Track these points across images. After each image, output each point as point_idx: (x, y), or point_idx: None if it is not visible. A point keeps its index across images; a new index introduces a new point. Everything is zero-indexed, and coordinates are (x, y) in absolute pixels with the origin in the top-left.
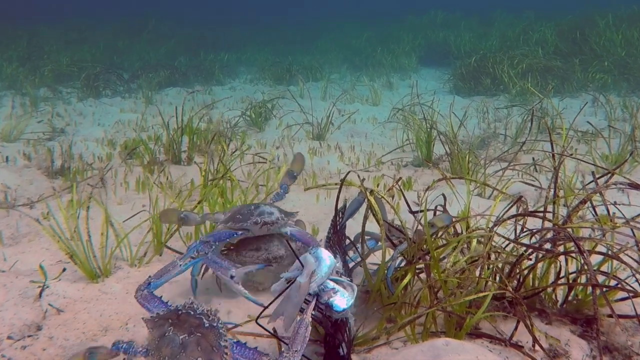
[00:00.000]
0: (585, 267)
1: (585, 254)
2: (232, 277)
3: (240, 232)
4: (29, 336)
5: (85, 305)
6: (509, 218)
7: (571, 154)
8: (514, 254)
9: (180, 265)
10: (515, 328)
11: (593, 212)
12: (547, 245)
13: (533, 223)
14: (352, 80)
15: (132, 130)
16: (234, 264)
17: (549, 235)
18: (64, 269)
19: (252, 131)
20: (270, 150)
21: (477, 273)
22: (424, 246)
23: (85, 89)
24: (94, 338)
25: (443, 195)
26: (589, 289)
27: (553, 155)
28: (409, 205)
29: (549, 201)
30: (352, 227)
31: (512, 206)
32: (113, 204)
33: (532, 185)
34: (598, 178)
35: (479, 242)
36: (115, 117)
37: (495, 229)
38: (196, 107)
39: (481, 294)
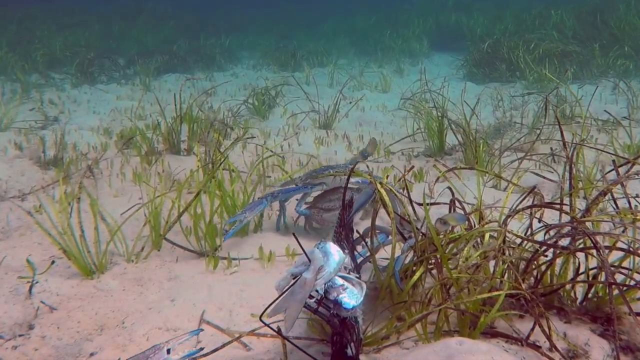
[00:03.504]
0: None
1: (601, 251)
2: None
3: (311, 186)
4: (20, 335)
5: (79, 303)
6: (520, 210)
7: (583, 140)
8: (529, 249)
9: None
10: (532, 329)
11: (614, 206)
12: (565, 241)
13: (551, 216)
14: (361, 66)
15: (129, 119)
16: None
17: (566, 229)
18: (53, 262)
19: (256, 120)
20: (275, 140)
21: (491, 269)
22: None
23: (80, 75)
24: (89, 337)
25: (449, 188)
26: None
27: (564, 144)
28: (411, 201)
29: (565, 193)
30: (361, 221)
31: (525, 198)
32: (109, 196)
33: (544, 178)
34: (619, 167)
35: (492, 236)
36: (112, 104)
37: (508, 222)
38: (196, 94)
39: (495, 293)
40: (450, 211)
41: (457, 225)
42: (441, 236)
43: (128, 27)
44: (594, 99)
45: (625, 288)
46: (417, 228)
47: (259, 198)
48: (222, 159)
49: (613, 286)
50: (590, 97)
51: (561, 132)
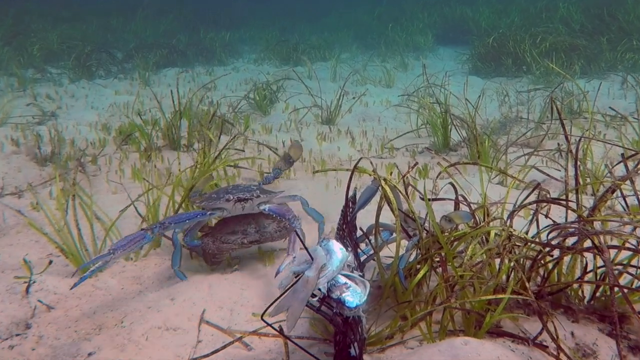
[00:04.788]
0: (613, 263)
1: (605, 253)
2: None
3: (209, 213)
4: (17, 335)
5: (77, 302)
6: (524, 206)
7: (585, 132)
8: (534, 249)
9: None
10: (540, 333)
11: (624, 204)
12: (572, 239)
13: (558, 213)
14: (364, 60)
15: (127, 114)
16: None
17: (573, 227)
18: (51, 262)
19: (257, 115)
20: (277, 136)
21: (497, 267)
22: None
23: (77, 69)
24: (87, 337)
25: (452, 184)
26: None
27: (567, 137)
28: (405, 196)
29: (571, 189)
30: (365, 218)
31: (530, 194)
32: (107, 193)
33: (548, 176)
34: (627, 158)
35: (497, 234)
36: (110, 99)
37: (513, 217)
38: (196, 89)
39: (499, 296)
40: (455, 209)
41: (462, 223)
42: (445, 234)
43: (126, 20)
44: (602, 94)
45: (630, 287)
46: (421, 225)
47: (142, 229)
48: (215, 158)
49: (618, 287)
50: (597, 92)
51: (563, 126)
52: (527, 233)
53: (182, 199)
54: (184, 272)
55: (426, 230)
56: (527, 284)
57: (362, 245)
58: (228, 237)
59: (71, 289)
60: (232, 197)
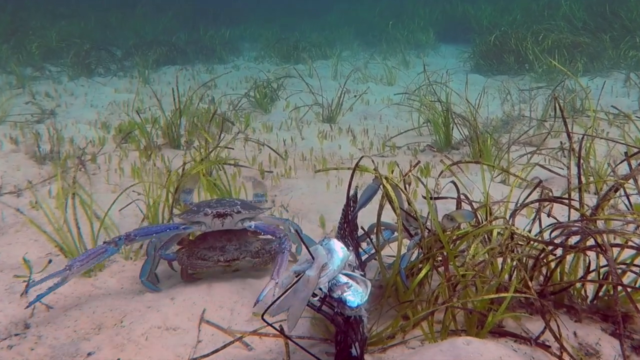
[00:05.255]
0: (616, 262)
1: (608, 252)
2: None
3: (183, 227)
4: (15, 335)
5: (76, 301)
6: (527, 205)
7: (588, 130)
8: (536, 247)
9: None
10: (542, 332)
11: (627, 203)
12: (575, 238)
13: (561, 212)
14: (365, 58)
15: (127, 112)
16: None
17: (576, 226)
18: (50, 261)
19: (257, 113)
20: (277, 134)
21: (499, 266)
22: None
23: (76, 67)
24: (87, 337)
25: (454, 183)
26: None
27: (569, 135)
28: (407, 195)
29: (573, 187)
30: (366, 217)
31: (531, 193)
32: (107, 192)
33: (551, 171)
34: (630, 157)
35: (499, 233)
36: (110, 97)
37: (515, 216)
38: (196, 87)
39: (502, 295)
40: (457, 207)
41: (464, 222)
42: (447, 233)
43: (125, 17)
44: (605, 92)
45: (634, 286)
46: (423, 224)
47: (104, 242)
48: (205, 156)
49: (621, 286)
50: (600, 90)
51: (565, 125)
52: (529, 232)
53: (172, 201)
54: (166, 277)
55: (428, 229)
56: (529, 283)
57: (364, 245)
58: (205, 253)
59: (26, 308)
60: (210, 212)
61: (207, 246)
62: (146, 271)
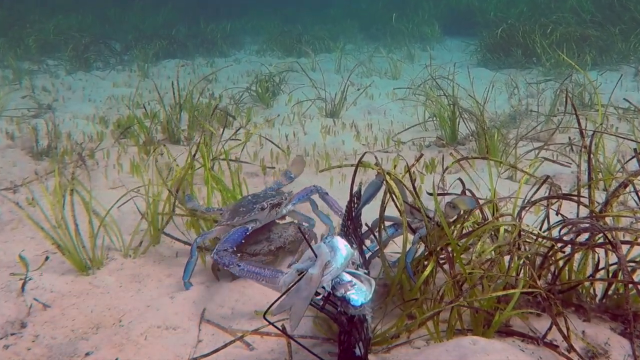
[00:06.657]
0: (626, 260)
1: (619, 249)
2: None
3: (249, 226)
4: (12, 334)
5: (74, 300)
6: (535, 202)
7: (599, 126)
8: (545, 245)
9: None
10: (549, 328)
11: (637, 199)
12: (584, 235)
13: (569, 209)
14: (369, 51)
15: (128, 105)
16: (277, 269)
17: (585, 222)
18: (47, 258)
19: (259, 107)
20: (279, 129)
21: (506, 264)
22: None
23: (74, 60)
24: (85, 336)
25: (460, 179)
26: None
27: (581, 132)
28: (410, 189)
29: (583, 184)
30: (370, 213)
31: (539, 189)
32: (105, 189)
33: (561, 164)
34: None
35: (507, 230)
36: (108, 91)
37: (521, 216)
38: (196, 81)
39: (510, 291)
40: None
41: (467, 209)
42: (452, 228)
43: (124, 10)
44: (613, 86)
45: None
46: (427, 216)
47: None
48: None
49: (632, 284)
50: (608, 84)
51: (578, 121)
52: (540, 227)
53: (173, 202)
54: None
55: (433, 220)
56: (537, 281)
57: (368, 242)
58: (254, 249)
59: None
60: (266, 205)
61: (253, 242)
62: (189, 272)
